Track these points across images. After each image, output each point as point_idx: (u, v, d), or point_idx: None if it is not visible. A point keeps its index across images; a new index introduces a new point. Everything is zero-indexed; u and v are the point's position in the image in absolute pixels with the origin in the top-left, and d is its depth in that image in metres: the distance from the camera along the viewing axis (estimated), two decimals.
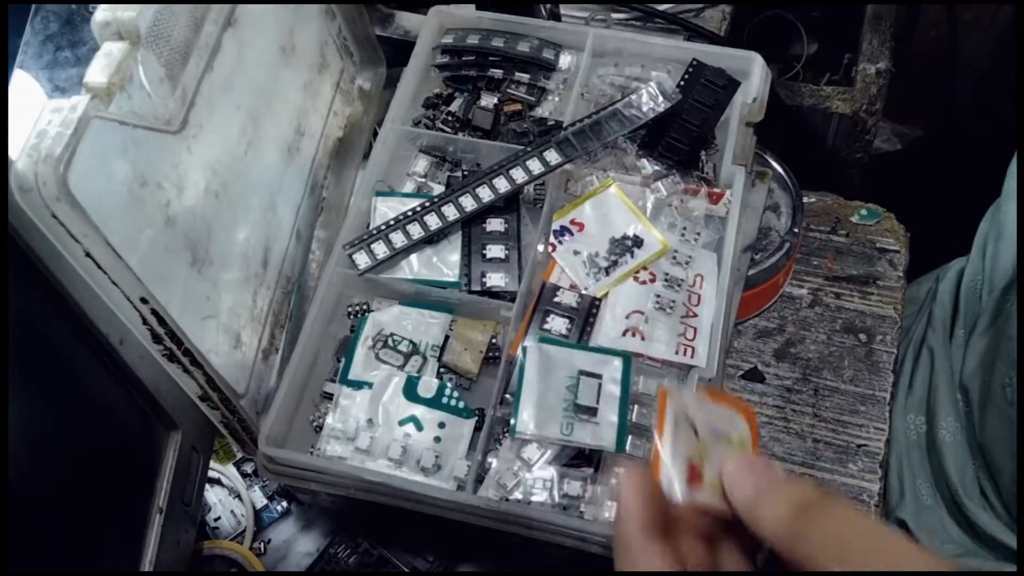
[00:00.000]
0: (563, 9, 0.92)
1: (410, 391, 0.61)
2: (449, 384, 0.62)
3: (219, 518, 0.66)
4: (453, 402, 0.61)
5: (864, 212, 0.91)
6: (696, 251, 0.67)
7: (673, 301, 0.64)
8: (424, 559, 0.65)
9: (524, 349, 0.60)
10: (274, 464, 0.58)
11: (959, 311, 0.87)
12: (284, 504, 0.67)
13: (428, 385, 0.61)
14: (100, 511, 0.53)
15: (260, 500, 0.68)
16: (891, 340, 0.86)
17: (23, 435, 0.45)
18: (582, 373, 0.59)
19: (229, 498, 0.67)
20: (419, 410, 0.61)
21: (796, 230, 0.80)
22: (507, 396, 0.60)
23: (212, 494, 0.67)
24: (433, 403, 0.61)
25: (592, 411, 0.58)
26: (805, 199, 0.86)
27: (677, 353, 0.63)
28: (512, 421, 0.57)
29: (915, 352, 0.90)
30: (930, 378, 0.87)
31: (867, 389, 0.84)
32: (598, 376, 0.59)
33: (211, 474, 0.67)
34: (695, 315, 0.64)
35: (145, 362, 0.55)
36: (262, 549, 0.66)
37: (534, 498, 0.57)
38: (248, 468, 0.69)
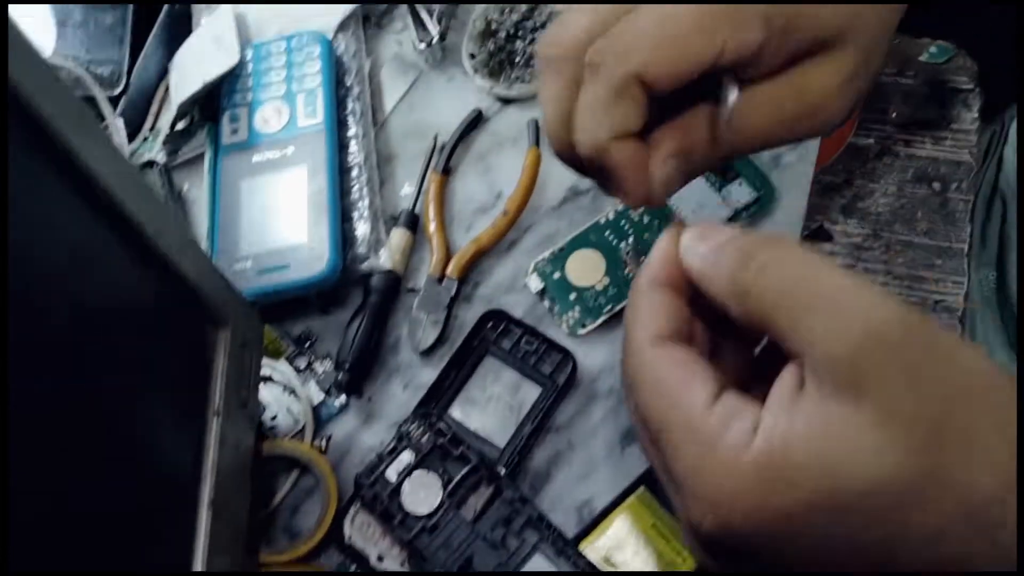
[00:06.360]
0: None
1: None
2: None
3: (275, 416, 0.63)
4: None
5: (933, 50, 0.83)
6: None
7: None
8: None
9: None
10: None
11: None
12: (343, 399, 0.63)
13: None
14: (154, 421, 0.49)
15: (317, 395, 0.64)
16: (967, 187, 0.80)
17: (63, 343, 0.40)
18: None
19: (284, 395, 0.63)
20: None
21: None
22: None
23: (266, 392, 0.63)
24: None
25: None
26: None
27: None
28: None
29: (986, 202, 0.84)
30: (1001, 229, 0.82)
31: (943, 241, 0.78)
32: None
33: (263, 371, 0.63)
34: None
35: (185, 254, 0.50)
36: (323, 447, 0.62)
37: None
38: (301, 363, 0.65)
